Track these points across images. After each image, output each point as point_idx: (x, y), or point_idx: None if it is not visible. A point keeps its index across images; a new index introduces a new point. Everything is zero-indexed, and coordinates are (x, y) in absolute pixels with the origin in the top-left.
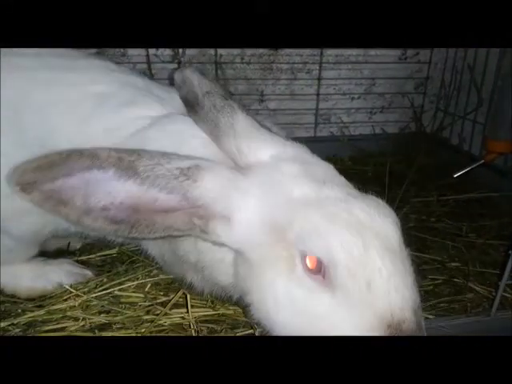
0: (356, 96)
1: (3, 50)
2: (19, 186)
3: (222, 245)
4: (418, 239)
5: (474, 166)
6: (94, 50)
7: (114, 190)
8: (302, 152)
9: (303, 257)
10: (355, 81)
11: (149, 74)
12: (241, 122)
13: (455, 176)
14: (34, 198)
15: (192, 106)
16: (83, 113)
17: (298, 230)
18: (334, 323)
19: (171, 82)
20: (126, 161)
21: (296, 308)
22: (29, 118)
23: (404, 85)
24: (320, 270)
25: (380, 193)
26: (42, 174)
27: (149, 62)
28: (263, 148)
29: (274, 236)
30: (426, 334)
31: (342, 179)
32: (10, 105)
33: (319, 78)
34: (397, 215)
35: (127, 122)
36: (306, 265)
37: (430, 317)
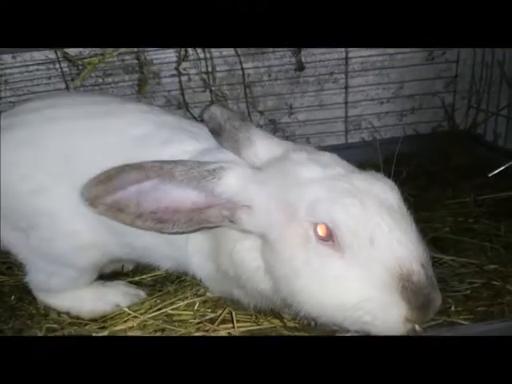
0: (385, 100)
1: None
2: (88, 201)
3: (249, 232)
4: (455, 242)
5: (510, 163)
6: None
7: (159, 197)
8: (308, 147)
9: (314, 227)
10: (383, 85)
11: (182, 100)
12: (255, 133)
13: (491, 175)
14: (100, 210)
15: (217, 133)
16: (127, 155)
17: (306, 205)
18: (348, 283)
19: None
20: (166, 168)
21: (314, 274)
22: (79, 164)
23: (433, 85)
24: (330, 237)
25: (415, 195)
26: (102, 187)
27: (182, 89)
28: (275, 147)
29: (289, 215)
30: (439, 293)
31: (345, 163)
32: (60, 154)
33: (346, 87)
34: (433, 218)
35: (172, 156)
36: (318, 234)
37: (464, 322)
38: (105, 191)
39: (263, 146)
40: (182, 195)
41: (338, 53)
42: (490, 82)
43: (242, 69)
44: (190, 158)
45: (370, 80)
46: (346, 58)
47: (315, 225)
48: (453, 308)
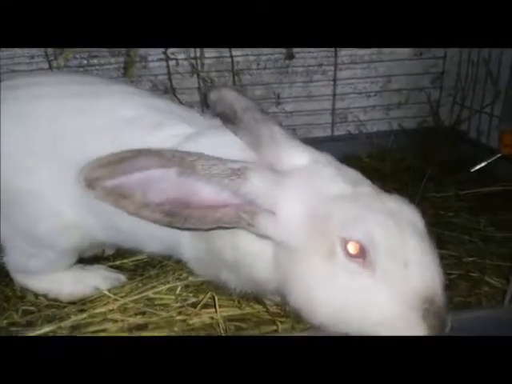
0: (372, 94)
1: (18, 82)
2: (86, 182)
3: (266, 237)
4: (435, 235)
5: (491, 159)
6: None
7: (170, 188)
8: (332, 159)
9: (344, 243)
10: (371, 79)
11: (169, 84)
12: (279, 133)
13: (472, 170)
14: (98, 193)
15: (230, 120)
16: (115, 137)
17: (339, 220)
18: (375, 300)
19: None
20: (187, 160)
21: (337, 289)
22: (65, 145)
23: (420, 80)
24: (361, 254)
25: (398, 189)
26: (107, 170)
27: (169, 73)
28: (301, 154)
29: (315, 227)
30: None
31: (369, 181)
32: (47, 133)
33: (335, 79)
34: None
35: (158, 143)
36: (347, 250)
37: None
38: (110, 174)
39: (289, 151)
40: (199, 190)
41: None
42: (475, 80)
43: (231, 56)
44: (180, 142)
45: (359, 73)
46: (336, 51)
47: (346, 241)
48: None
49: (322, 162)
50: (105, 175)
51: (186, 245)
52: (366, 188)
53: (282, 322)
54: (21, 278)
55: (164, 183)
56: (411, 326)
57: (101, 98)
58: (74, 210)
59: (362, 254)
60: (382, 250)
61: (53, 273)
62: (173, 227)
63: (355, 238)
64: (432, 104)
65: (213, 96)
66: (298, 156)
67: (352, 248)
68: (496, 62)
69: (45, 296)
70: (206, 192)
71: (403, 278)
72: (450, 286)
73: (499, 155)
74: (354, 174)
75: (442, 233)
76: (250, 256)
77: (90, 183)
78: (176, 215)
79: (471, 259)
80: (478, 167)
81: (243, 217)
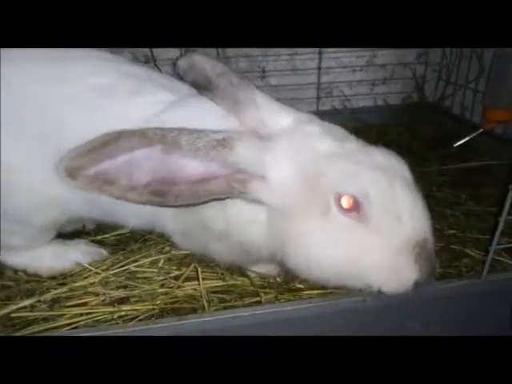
0: (358, 68)
1: None
2: (66, 173)
3: (259, 203)
4: None
5: (473, 134)
6: None
7: (155, 167)
8: (315, 117)
9: (338, 199)
10: (356, 53)
11: (150, 54)
12: (259, 96)
13: (455, 145)
14: (80, 183)
15: (205, 87)
16: (89, 106)
17: (331, 177)
18: (370, 251)
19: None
20: (170, 137)
21: (333, 243)
22: (28, 111)
23: (406, 55)
24: (355, 208)
25: None
26: (88, 158)
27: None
28: (284, 115)
29: (307, 186)
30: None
31: (354, 137)
32: (13, 103)
33: (320, 52)
34: None
35: (140, 110)
36: (341, 205)
37: None
38: (91, 161)
39: (271, 113)
40: (185, 166)
41: None
42: (461, 56)
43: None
44: (162, 110)
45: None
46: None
47: (340, 196)
48: None
49: (306, 121)
50: (86, 163)
51: (169, 218)
52: (353, 143)
53: (265, 293)
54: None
55: (148, 163)
56: (404, 269)
57: (71, 65)
58: (49, 185)
59: (356, 207)
60: (375, 204)
61: (32, 248)
62: (166, 206)
63: (349, 192)
64: (417, 80)
65: (183, 63)
66: (281, 117)
67: (346, 202)
68: None
69: (24, 271)
70: (193, 166)
71: (396, 228)
72: None
73: (481, 130)
74: (338, 130)
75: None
76: (242, 224)
77: (71, 173)
78: (166, 194)
79: (452, 232)
80: (460, 142)
81: (235, 186)
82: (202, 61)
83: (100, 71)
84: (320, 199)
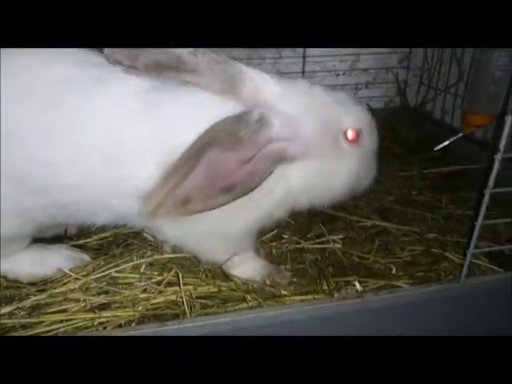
0: (341, 72)
1: None
2: (150, 216)
3: (294, 160)
4: (399, 212)
5: (453, 139)
6: None
7: (224, 168)
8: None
9: (344, 133)
10: (340, 57)
11: None
12: (246, 68)
13: (436, 149)
14: (162, 215)
15: (170, 68)
16: (49, 100)
17: (339, 118)
18: (367, 166)
19: None
20: (225, 135)
21: (348, 171)
22: None
23: (388, 59)
24: (357, 139)
25: None
26: (168, 198)
27: None
28: (274, 82)
29: (325, 133)
30: None
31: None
32: None
33: (304, 56)
34: (380, 190)
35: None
36: (347, 138)
37: (404, 285)
38: (167, 195)
39: (265, 82)
40: (243, 155)
41: None
42: (441, 61)
43: None
44: (139, 97)
45: (328, 51)
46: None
47: (345, 131)
48: (394, 271)
49: (292, 82)
50: (165, 198)
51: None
52: (341, 95)
53: (251, 300)
54: None
55: (218, 166)
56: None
57: (22, 56)
58: (4, 196)
59: (358, 137)
60: (367, 132)
61: (7, 256)
62: (234, 200)
63: (353, 126)
64: (399, 84)
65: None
66: (273, 84)
67: (352, 134)
68: None
69: (4, 277)
70: (247, 153)
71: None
72: (412, 261)
73: (461, 135)
74: (318, 85)
75: (406, 211)
76: (270, 188)
77: (154, 214)
78: (236, 187)
79: (432, 235)
80: (440, 146)
81: (279, 156)
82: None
83: (56, 62)
84: (332, 140)
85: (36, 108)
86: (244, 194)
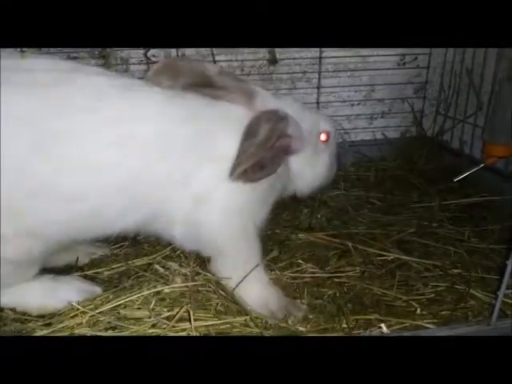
0: (356, 102)
1: None
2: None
3: (297, 153)
4: (419, 245)
5: (474, 169)
6: None
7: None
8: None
9: (318, 135)
10: (355, 88)
11: None
12: (254, 85)
13: (456, 180)
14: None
15: (204, 85)
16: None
17: (318, 123)
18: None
19: None
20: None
21: (323, 164)
22: None
23: (403, 90)
24: (328, 139)
25: (382, 199)
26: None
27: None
28: (278, 100)
29: (311, 134)
30: None
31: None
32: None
33: (319, 87)
34: (398, 222)
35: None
36: (320, 139)
37: (431, 326)
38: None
39: (272, 99)
40: (270, 143)
41: (311, 52)
42: (458, 91)
43: (215, 61)
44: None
45: (342, 81)
46: (320, 58)
47: (319, 133)
48: (418, 311)
49: (281, 97)
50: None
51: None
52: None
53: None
54: None
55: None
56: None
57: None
58: (17, 215)
59: (328, 138)
60: (332, 134)
61: (17, 286)
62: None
63: (325, 129)
64: (415, 114)
65: (161, 68)
66: (273, 98)
67: (325, 136)
68: (479, 72)
69: (13, 310)
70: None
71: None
72: (435, 298)
73: (482, 165)
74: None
75: (427, 244)
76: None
77: (239, 178)
78: (261, 169)
79: (456, 271)
80: (461, 177)
81: (294, 147)
82: (192, 63)
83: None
84: (314, 138)
85: (78, 112)
86: (268, 174)
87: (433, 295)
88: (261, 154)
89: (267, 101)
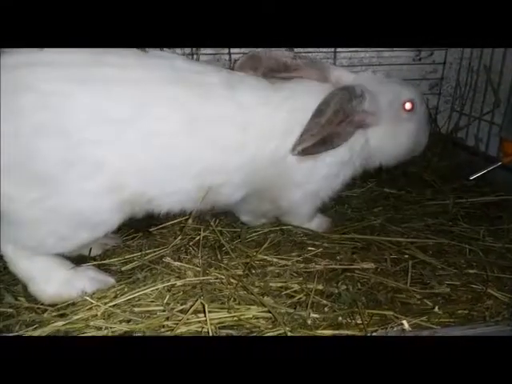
0: None
1: None
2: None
3: (369, 128)
4: (433, 243)
5: (491, 168)
6: None
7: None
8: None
9: (402, 105)
10: None
11: None
12: (328, 64)
13: (471, 178)
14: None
15: (280, 71)
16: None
17: (399, 94)
18: (422, 131)
19: None
20: (343, 103)
21: (407, 132)
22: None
23: (418, 86)
24: (412, 108)
25: (396, 196)
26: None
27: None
28: (348, 73)
29: (391, 106)
30: None
31: None
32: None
33: None
34: (412, 217)
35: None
36: (405, 108)
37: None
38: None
39: (345, 71)
40: (339, 119)
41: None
42: (475, 88)
43: (230, 53)
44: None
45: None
46: (335, 52)
47: (404, 102)
48: (436, 309)
49: (359, 73)
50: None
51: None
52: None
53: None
54: (12, 253)
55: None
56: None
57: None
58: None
59: (413, 107)
60: (419, 102)
61: (47, 261)
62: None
63: (410, 98)
64: (430, 110)
65: (246, 61)
66: (349, 73)
67: (409, 105)
68: (497, 69)
69: (26, 284)
70: (346, 118)
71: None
72: (451, 297)
73: (499, 164)
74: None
75: (441, 242)
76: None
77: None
78: (329, 141)
79: (472, 271)
80: (477, 175)
81: (361, 124)
82: (270, 53)
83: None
84: (395, 110)
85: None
86: (332, 148)
87: (448, 291)
88: (324, 132)
89: (343, 76)
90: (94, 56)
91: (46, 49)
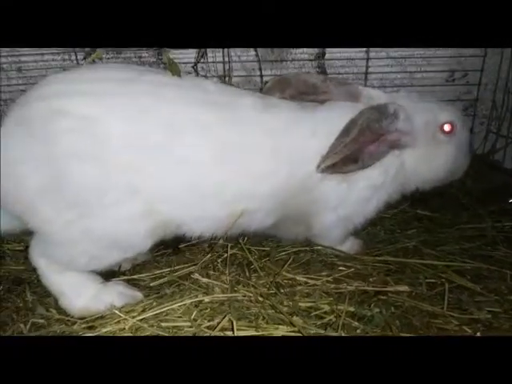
0: None
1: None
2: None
3: (407, 148)
4: (471, 267)
5: None
6: None
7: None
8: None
9: (441, 127)
10: None
11: None
12: (359, 86)
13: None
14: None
15: (308, 93)
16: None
17: (436, 115)
18: (457, 155)
19: None
20: (372, 122)
21: (445, 156)
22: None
23: None
24: (452, 130)
25: (430, 218)
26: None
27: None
28: (381, 94)
29: (426, 128)
30: None
31: None
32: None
33: None
34: (448, 240)
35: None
36: (444, 130)
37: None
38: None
39: (374, 92)
40: (370, 138)
41: (357, 67)
42: None
43: (261, 75)
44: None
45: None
46: (366, 73)
47: (442, 124)
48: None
49: (394, 94)
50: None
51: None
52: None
53: None
54: (44, 266)
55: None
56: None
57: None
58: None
59: (452, 129)
60: (460, 125)
61: (79, 277)
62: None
63: (449, 120)
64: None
65: (274, 84)
66: (382, 94)
67: (448, 127)
68: None
69: (57, 298)
70: (378, 137)
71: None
72: (492, 324)
73: None
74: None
75: (480, 266)
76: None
77: (326, 171)
78: (359, 161)
79: None
80: None
81: (395, 144)
82: (300, 75)
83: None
84: (431, 131)
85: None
86: (363, 168)
87: (489, 317)
88: (347, 151)
89: (374, 96)
90: (126, 83)
91: (77, 78)
